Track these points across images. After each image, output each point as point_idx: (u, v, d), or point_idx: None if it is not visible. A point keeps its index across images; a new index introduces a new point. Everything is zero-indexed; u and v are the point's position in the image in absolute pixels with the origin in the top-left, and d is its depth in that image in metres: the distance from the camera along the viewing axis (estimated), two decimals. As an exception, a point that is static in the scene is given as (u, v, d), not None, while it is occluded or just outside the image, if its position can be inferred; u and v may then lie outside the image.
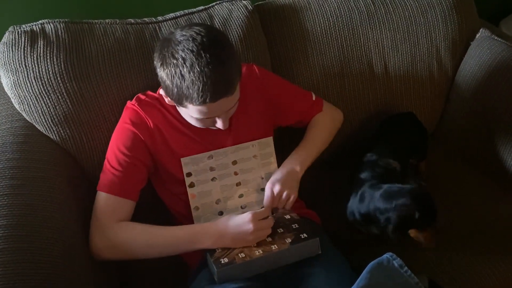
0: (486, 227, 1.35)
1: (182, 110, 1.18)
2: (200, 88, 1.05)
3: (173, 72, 1.07)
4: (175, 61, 1.07)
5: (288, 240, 1.14)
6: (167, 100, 1.20)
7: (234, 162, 1.26)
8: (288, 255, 1.14)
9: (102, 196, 1.19)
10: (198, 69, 1.04)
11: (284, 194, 1.25)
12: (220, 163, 1.25)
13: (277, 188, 1.25)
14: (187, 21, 1.43)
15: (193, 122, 1.19)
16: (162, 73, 1.11)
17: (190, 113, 1.14)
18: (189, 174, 1.23)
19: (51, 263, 1.00)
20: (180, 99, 1.10)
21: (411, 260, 1.05)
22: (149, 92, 1.30)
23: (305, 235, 1.15)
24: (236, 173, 1.27)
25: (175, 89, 1.09)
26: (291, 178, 1.28)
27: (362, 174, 1.33)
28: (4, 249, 0.96)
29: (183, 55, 1.06)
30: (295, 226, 1.19)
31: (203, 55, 1.05)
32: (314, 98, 1.46)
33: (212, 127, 1.21)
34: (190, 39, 1.07)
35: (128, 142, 1.21)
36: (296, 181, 1.29)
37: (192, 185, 1.24)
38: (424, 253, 1.27)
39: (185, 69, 1.05)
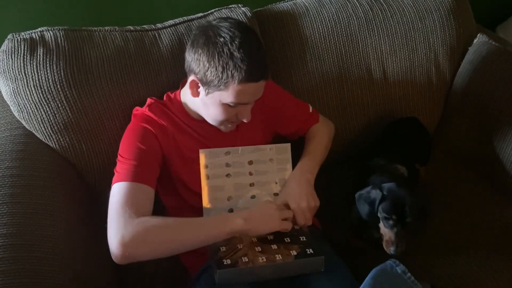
0: (489, 231, 1.36)
1: (212, 97, 1.16)
2: (248, 65, 1.10)
3: (221, 50, 1.10)
4: (222, 40, 1.11)
5: (294, 253, 1.13)
6: (192, 91, 1.20)
7: (250, 162, 1.26)
8: (291, 267, 1.13)
9: (121, 187, 1.12)
10: (247, 47, 1.10)
11: (310, 207, 1.24)
12: (236, 161, 1.25)
13: (303, 205, 1.23)
14: (187, 28, 1.44)
15: (218, 113, 1.19)
16: (203, 56, 1.13)
17: (226, 97, 1.14)
18: (205, 166, 1.23)
19: (51, 272, 0.99)
20: (222, 79, 1.11)
21: (414, 266, 1.05)
22: (155, 98, 1.30)
23: (311, 250, 1.14)
24: (251, 173, 1.27)
25: (220, 68, 1.11)
26: (310, 189, 1.28)
27: (370, 178, 1.33)
28: (4, 258, 0.95)
29: (231, 34, 1.11)
30: (303, 238, 1.18)
31: (248, 37, 1.13)
32: (310, 110, 1.47)
33: (230, 123, 1.23)
34: (233, 24, 1.14)
35: (140, 136, 1.20)
36: (313, 188, 1.28)
37: (206, 177, 1.24)
38: (427, 259, 1.27)
39: (234, 47, 1.10)
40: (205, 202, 1.23)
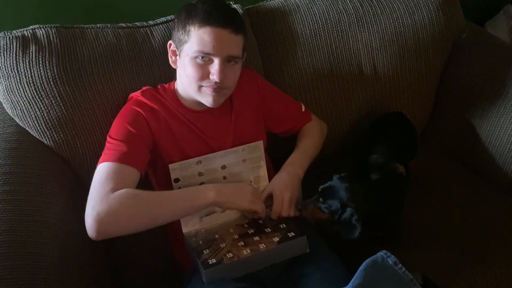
0: (479, 222, 1.37)
1: (183, 56, 1.20)
2: (208, 10, 1.15)
3: (188, 7, 1.19)
4: (192, 1, 1.20)
5: (276, 239, 1.15)
6: (171, 60, 1.26)
7: (223, 167, 1.26)
8: (276, 254, 1.14)
9: (104, 166, 1.12)
10: (211, 1, 1.18)
11: (292, 198, 1.24)
12: (208, 168, 1.24)
13: (287, 195, 1.23)
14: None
15: (190, 70, 1.19)
16: (176, 20, 1.22)
17: (191, 47, 1.17)
18: (176, 180, 1.21)
19: (46, 268, 0.99)
20: (186, 28, 1.17)
21: (405, 257, 1.06)
22: (150, 87, 1.31)
23: (292, 233, 1.16)
24: (224, 177, 1.26)
25: (185, 21, 1.18)
26: (297, 182, 1.28)
27: (370, 175, 1.34)
28: (-2, 254, 0.95)
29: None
30: (283, 226, 1.19)
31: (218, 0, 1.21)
32: (303, 109, 1.48)
33: (206, 86, 1.20)
34: None
35: (131, 119, 1.21)
36: (299, 184, 1.29)
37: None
38: (418, 250, 1.28)
39: (200, 3, 1.18)
40: None
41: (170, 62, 1.27)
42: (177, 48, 1.21)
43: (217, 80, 1.17)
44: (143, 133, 1.21)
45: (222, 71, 1.17)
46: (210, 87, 1.19)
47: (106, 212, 1.04)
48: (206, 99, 1.22)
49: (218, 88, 1.20)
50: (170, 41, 1.25)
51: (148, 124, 1.22)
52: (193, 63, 1.18)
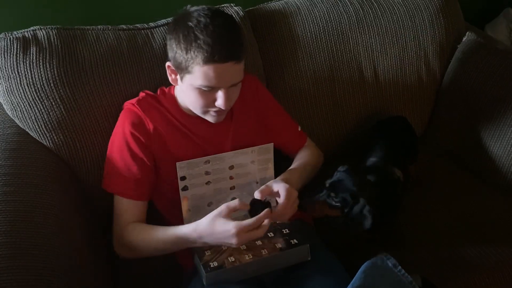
0: (477, 225, 1.37)
1: (185, 82, 1.18)
2: (211, 45, 1.09)
3: (186, 33, 1.12)
4: (189, 23, 1.13)
5: (279, 246, 1.14)
6: (171, 78, 1.23)
7: (231, 167, 1.25)
8: (278, 260, 1.14)
9: (119, 199, 1.25)
10: (211, 28, 1.11)
11: (296, 202, 1.20)
12: (216, 168, 1.23)
13: (295, 193, 1.18)
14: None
15: (194, 98, 1.19)
16: (172, 40, 1.16)
17: (195, 80, 1.14)
18: (183, 178, 1.20)
19: (47, 269, 0.99)
20: (188, 61, 1.13)
21: (405, 259, 1.06)
22: (148, 91, 1.31)
23: (295, 241, 1.15)
24: (231, 177, 1.25)
25: (185, 51, 1.12)
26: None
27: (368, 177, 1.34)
28: (-2, 256, 0.95)
29: (198, 18, 1.12)
30: (286, 231, 1.19)
31: (216, 19, 1.13)
32: (299, 129, 1.47)
33: (211, 110, 1.21)
34: (204, 9, 1.16)
35: (133, 146, 1.23)
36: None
37: (185, 188, 1.23)
38: (417, 252, 1.28)
39: (198, 30, 1.11)
40: (185, 210, 1.22)
41: (170, 80, 1.24)
42: (177, 71, 1.19)
43: (223, 108, 1.19)
44: (145, 157, 1.24)
45: (227, 98, 1.18)
46: (215, 111, 1.22)
47: (122, 243, 1.23)
48: (211, 118, 1.24)
49: (223, 111, 1.22)
50: (168, 63, 1.21)
51: (147, 147, 1.24)
52: (197, 93, 1.17)
